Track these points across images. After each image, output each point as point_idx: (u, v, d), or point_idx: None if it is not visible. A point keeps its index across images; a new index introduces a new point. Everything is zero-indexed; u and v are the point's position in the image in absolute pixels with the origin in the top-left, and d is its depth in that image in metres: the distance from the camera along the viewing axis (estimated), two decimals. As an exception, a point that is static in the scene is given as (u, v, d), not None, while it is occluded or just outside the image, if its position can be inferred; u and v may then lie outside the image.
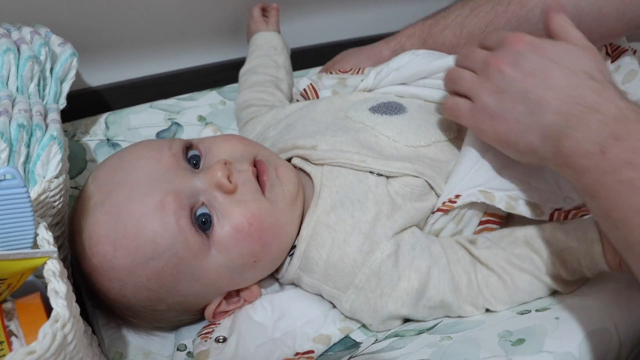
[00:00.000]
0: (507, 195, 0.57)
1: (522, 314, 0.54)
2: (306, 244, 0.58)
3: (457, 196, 0.58)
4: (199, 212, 0.54)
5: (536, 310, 0.54)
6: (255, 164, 0.58)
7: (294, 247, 0.59)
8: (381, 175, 0.60)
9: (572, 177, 0.47)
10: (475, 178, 0.58)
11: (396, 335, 0.56)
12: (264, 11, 0.92)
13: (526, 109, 0.50)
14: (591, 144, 0.44)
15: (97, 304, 0.60)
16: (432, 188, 0.60)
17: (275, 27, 0.91)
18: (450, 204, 0.59)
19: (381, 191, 0.59)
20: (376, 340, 0.56)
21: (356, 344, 0.57)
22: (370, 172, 0.60)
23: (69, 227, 0.59)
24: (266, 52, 0.87)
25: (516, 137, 0.51)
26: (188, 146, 0.59)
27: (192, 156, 0.58)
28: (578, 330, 0.49)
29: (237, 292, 0.60)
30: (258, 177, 0.57)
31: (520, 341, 0.49)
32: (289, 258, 0.60)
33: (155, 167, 0.55)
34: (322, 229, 0.58)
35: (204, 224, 0.54)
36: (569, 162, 0.46)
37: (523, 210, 0.56)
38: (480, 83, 0.54)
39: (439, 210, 0.59)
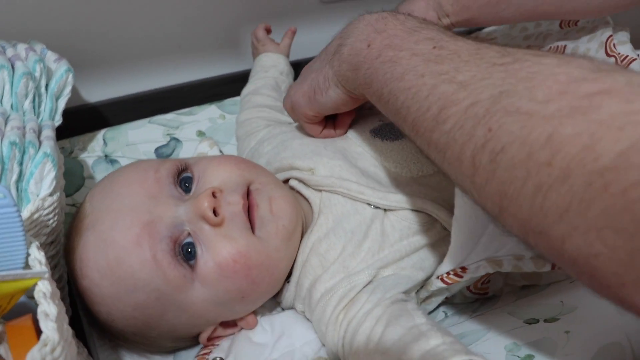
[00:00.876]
0: (513, 257, 0.53)
1: (530, 323, 0.52)
2: (300, 270, 0.57)
3: (464, 269, 0.54)
4: (184, 241, 0.52)
5: (545, 320, 0.52)
6: (248, 195, 0.56)
7: (291, 272, 0.58)
8: (378, 207, 0.58)
9: (353, 77, 0.52)
10: (484, 250, 0.53)
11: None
12: (267, 32, 0.90)
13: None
14: (360, 42, 0.50)
15: (93, 324, 0.59)
16: (436, 220, 0.58)
17: (286, 50, 0.89)
18: (456, 277, 0.54)
19: (376, 225, 0.57)
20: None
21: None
22: (368, 203, 0.58)
23: (65, 245, 0.58)
24: (272, 75, 0.85)
25: (317, 80, 0.59)
26: (182, 169, 0.57)
27: (184, 178, 0.56)
28: (589, 345, 0.47)
29: (233, 320, 0.58)
30: (249, 212, 0.55)
31: (529, 357, 0.47)
32: (287, 284, 0.59)
33: (138, 194, 0.53)
34: (313, 257, 0.56)
35: (189, 253, 0.52)
36: (349, 65, 0.52)
37: (528, 267, 0.52)
38: None
39: (442, 280, 0.55)
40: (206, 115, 0.86)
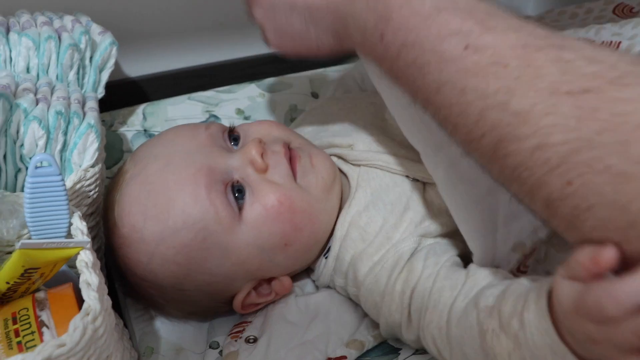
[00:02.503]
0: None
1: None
2: (339, 244, 0.57)
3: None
4: (235, 186, 0.54)
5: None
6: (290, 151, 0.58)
7: (329, 248, 0.58)
8: (417, 180, 0.58)
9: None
10: (503, 244, 0.51)
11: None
12: None
13: (302, 20, 0.50)
14: (370, 34, 0.41)
15: (129, 291, 0.60)
16: None
17: None
18: None
19: (416, 197, 0.56)
20: (416, 350, 0.54)
21: (395, 350, 0.55)
22: (407, 176, 0.58)
23: (104, 204, 0.59)
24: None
25: (315, 46, 0.51)
26: (230, 129, 0.60)
27: (232, 136, 0.59)
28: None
29: (268, 282, 0.58)
30: (291, 163, 0.57)
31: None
32: (324, 259, 0.58)
33: (191, 144, 0.56)
34: (353, 230, 0.56)
35: (239, 195, 0.53)
36: (365, 56, 0.45)
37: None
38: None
39: None
40: (245, 93, 0.86)
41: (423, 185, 0.57)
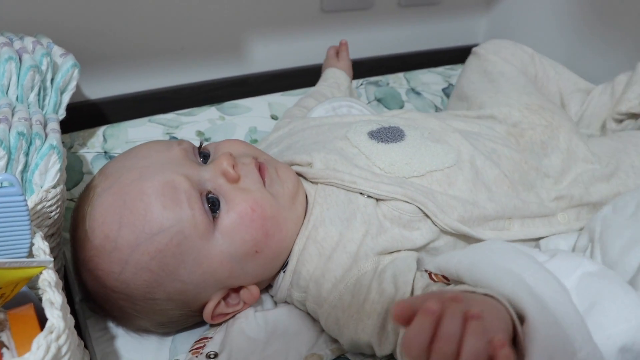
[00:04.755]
0: None
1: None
2: (297, 259, 0.59)
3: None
4: (209, 196, 0.56)
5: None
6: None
7: (287, 263, 0.60)
8: (371, 197, 0.60)
9: None
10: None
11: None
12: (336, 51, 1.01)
13: None
14: None
15: (93, 307, 0.60)
16: (427, 216, 0.60)
17: (344, 63, 0.99)
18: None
19: (370, 212, 0.59)
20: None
21: (354, 365, 0.56)
22: (361, 193, 0.61)
23: (72, 221, 0.59)
24: (329, 84, 0.94)
25: None
26: (199, 147, 0.62)
27: (202, 153, 0.61)
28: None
29: (237, 292, 0.59)
30: (260, 173, 0.60)
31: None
32: (282, 273, 0.60)
33: (165, 156, 0.57)
34: (310, 244, 0.58)
35: (213, 205, 0.55)
36: None
37: None
38: None
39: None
40: (206, 116, 0.87)
41: (376, 201, 0.60)
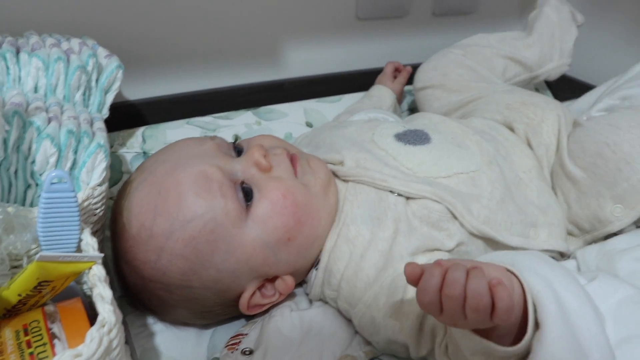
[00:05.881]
0: None
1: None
2: (328, 256, 0.59)
3: None
4: (243, 185, 0.57)
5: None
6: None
7: (319, 261, 0.60)
8: (401, 195, 0.61)
9: None
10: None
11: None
12: (397, 70, 1.03)
13: None
14: None
15: (131, 301, 0.61)
16: (454, 217, 0.60)
17: (398, 87, 1.00)
18: None
19: (400, 210, 0.60)
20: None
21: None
22: (391, 191, 0.61)
23: (111, 216, 0.61)
24: (373, 104, 0.94)
25: None
26: (233, 142, 0.65)
27: (236, 147, 0.63)
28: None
29: (272, 283, 0.60)
30: (291, 163, 0.61)
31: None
32: (314, 271, 0.61)
33: (198, 150, 0.60)
34: (342, 242, 0.59)
35: (247, 194, 0.56)
36: None
37: None
38: None
39: None
40: (242, 120, 0.88)
41: (406, 200, 0.61)
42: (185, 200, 0.54)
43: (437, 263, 0.44)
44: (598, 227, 0.66)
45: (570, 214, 0.68)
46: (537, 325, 0.44)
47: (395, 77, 1.01)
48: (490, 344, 0.44)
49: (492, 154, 0.67)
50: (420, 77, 0.93)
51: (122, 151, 0.80)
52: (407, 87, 1.03)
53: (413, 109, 1.03)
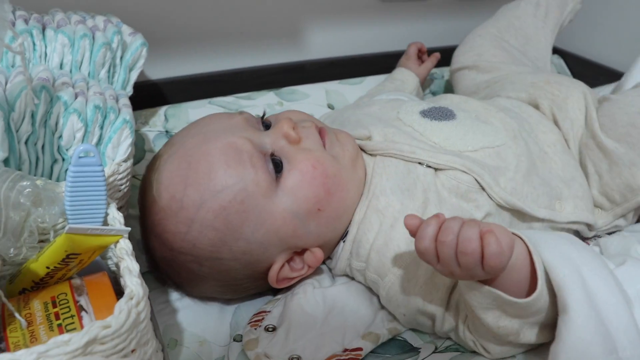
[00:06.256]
0: None
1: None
2: (357, 227, 0.59)
3: None
4: (272, 157, 0.57)
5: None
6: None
7: (347, 233, 0.60)
8: (430, 167, 0.61)
9: None
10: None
11: (456, 350, 0.55)
12: (420, 52, 0.99)
13: None
14: None
15: (158, 276, 0.62)
16: (482, 188, 0.61)
17: (423, 72, 0.97)
18: None
19: (429, 181, 0.60)
20: (435, 348, 0.55)
21: (414, 349, 0.56)
22: (420, 163, 0.62)
23: (140, 190, 0.61)
24: (396, 87, 0.93)
25: None
26: (261, 117, 0.65)
27: (264, 122, 0.64)
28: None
29: (301, 256, 0.60)
30: (320, 135, 0.61)
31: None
32: (342, 243, 0.61)
33: (228, 123, 0.60)
34: (371, 213, 0.59)
35: (277, 166, 0.57)
36: None
37: None
38: None
39: None
40: (264, 100, 0.88)
41: (435, 171, 0.61)
42: (216, 171, 0.54)
43: (436, 215, 0.47)
44: (629, 197, 0.66)
45: (602, 185, 0.68)
46: (562, 311, 0.44)
47: (419, 59, 0.99)
48: (499, 293, 0.46)
49: (516, 129, 0.68)
50: (456, 59, 0.93)
51: (145, 130, 0.80)
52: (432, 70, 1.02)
53: (435, 94, 1.02)
